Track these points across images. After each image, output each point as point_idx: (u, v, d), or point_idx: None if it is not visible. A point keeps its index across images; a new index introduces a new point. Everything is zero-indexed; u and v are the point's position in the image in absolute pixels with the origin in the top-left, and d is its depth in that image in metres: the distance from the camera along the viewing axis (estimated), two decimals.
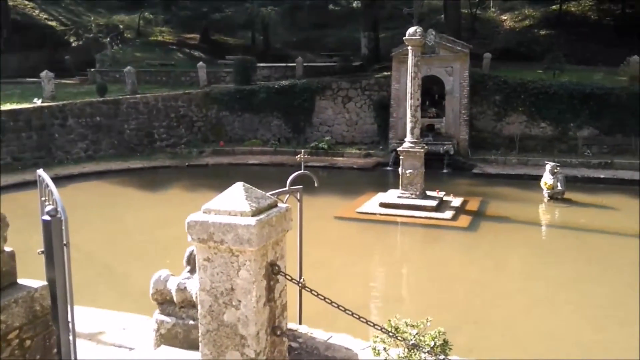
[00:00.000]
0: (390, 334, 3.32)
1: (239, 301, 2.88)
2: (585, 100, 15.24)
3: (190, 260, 3.96)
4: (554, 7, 24.31)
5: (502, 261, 8.56)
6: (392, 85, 16.34)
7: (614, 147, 14.92)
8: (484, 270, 8.13)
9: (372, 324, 3.13)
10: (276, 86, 18.46)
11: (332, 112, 18.02)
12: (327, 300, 3.12)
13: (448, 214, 10.68)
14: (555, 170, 11.66)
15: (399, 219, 10.76)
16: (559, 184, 11.62)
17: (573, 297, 7.10)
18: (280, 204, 3.01)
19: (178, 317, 3.95)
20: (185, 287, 3.88)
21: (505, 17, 25.45)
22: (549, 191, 11.69)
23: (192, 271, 3.92)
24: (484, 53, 17.69)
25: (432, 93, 15.99)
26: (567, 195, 11.68)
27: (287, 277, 2.95)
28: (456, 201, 11.43)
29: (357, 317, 3.10)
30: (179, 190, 13.60)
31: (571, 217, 10.88)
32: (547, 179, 11.72)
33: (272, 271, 2.89)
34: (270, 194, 4.47)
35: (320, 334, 4.63)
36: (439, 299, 7.14)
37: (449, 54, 15.59)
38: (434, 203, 10.95)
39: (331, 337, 4.59)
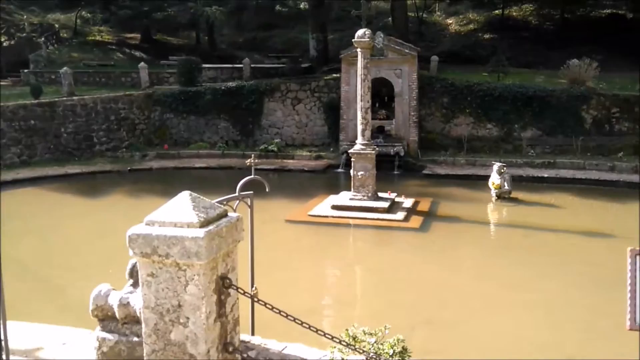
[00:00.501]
0: (350, 346, 3.21)
1: (187, 318, 2.69)
2: (528, 102, 15.79)
3: (133, 273, 3.73)
4: (496, 11, 25.14)
5: (454, 261, 8.67)
6: (342, 87, 16.37)
7: (555, 147, 15.52)
8: (437, 271, 8.21)
9: (330, 337, 3.01)
10: (223, 87, 18.12)
11: (282, 114, 17.86)
12: (281, 313, 2.97)
13: (400, 215, 10.75)
14: (502, 171, 11.99)
15: (351, 221, 10.74)
16: (505, 184, 11.95)
17: (524, 295, 7.24)
18: (230, 214, 2.84)
19: (121, 334, 3.69)
20: (128, 302, 3.63)
21: (451, 21, 26.11)
22: (496, 191, 11.99)
23: (135, 285, 3.68)
24: (431, 56, 18.03)
25: (381, 95, 16.14)
26: (514, 194, 12.04)
27: (239, 290, 2.78)
28: (407, 202, 11.54)
29: (315, 329, 2.97)
30: (121, 196, 13.05)
31: (518, 215, 11.19)
32: (494, 179, 12.02)
33: (223, 285, 2.72)
34: (220, 201, 4.28)
35: (274, 345, 4.47)
36: (393, 300, 7.14)
37: (397, 56, 15.77)
38: (385, 204, 10.99)
39: (286, 347, 4.43)
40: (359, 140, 11.33)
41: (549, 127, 15.73)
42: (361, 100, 11.15)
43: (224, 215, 2.79)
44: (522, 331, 6.21)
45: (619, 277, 7.53)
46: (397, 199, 11.57)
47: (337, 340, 3.12)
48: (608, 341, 5.83)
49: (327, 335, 2.98)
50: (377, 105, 15.55)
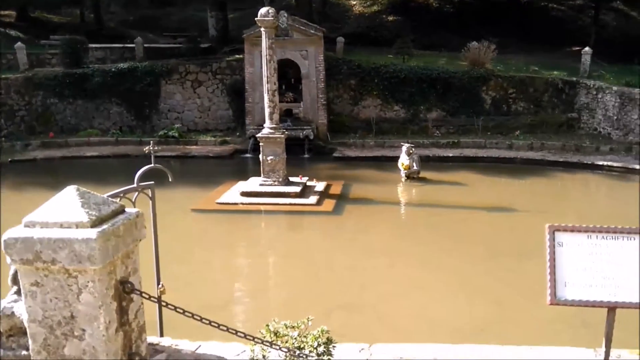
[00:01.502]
0: (272, 344, 3.03)
1: (83, 330, 2.36)
2: (432, 84, 16.35)
3: (17, 279, 3.30)
4: None
5: (368, 242, 8.78)
6: (246, 69, 15.93)
7: (459, 128, 16.24)
8: (351, 253, 8.26)
9: (250, 337, 2.80)
10: (113, 69, 16.93)
11: (181, 98, 17.09)
12: (184, 312, 2.71)
13: (312, 199, 10.71)
14: (411, 151, 12.32)
15: (262, 207, 10.54)
16: (414, 164, 12.31)
17: (437, 272, 7.48)
18: (128, 210, 2.51)
19: (6, 347, 3.26)
20: (12, 312, 3.21)
21: (355, 2, 26.35)
22: (406, 171, 12.32)
23: (20, 292, 3.26)
24: (336, 37, 18.06)
25: (288, 77, 15.92)
26: (422, 174, 12.45)
27: (144, 295, 2.47)
28: (319, 186, 11.52)
29: (226, 328, 2.74)
30: (3, 191, 11.79)
31: (427, 194, 11.60)
32: (403, 160, 12.33)
33: (124, 290, 2.40)
34: (116, 194, 3.87)
35: (186, 345, 4.18)
36: (309, 286, 7.08)
37: (302, 37, 15.60)
38: (297, 189, 10.89)
39: (200, 346, 4.17)
40: (267, 124, 11.07)
41: (452, 108, 16.43)
42: (267, 83, 10.86)
43: (121, 211, 2.46)
44: (438, 308, 6.39)
45: (524, 249, 8.08)
46: (308, 183, 11.51)
47: (259, 340, 2.92)
48: (521, 313, 6.14)
49: (248, 337, 2.76)
50: (283, 87, 15.31)
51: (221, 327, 2.59)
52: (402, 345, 4.57)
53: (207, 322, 2.61)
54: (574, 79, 16.54)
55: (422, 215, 10.27)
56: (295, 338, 3.25)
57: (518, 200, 10.77)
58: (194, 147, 15.68)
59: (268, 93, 10.90)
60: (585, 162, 13.63)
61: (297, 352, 3.10)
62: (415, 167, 12.32)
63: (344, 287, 7.05)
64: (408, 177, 12.35)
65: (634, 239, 3.05)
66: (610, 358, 4.02)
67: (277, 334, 3.25)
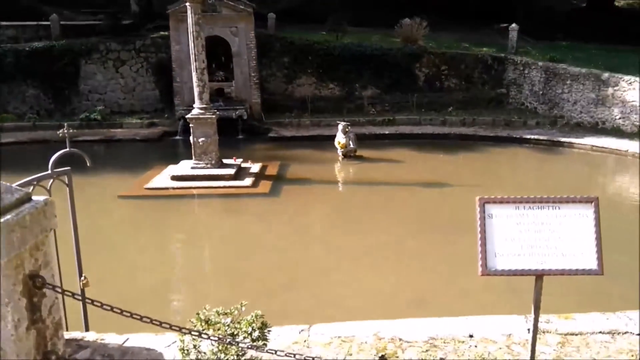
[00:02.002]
0: (202, 335, 2.88)
1: None
2: (366, 61, 16.36)
3: None
4: None
5: (306, 223, 8.73)
6: (172, 47, 15.31)
7: (394, 105, 16.39)
8: (290, 235, 8.17)
9: (177, 328, 2.64)
10: (27, 49, 15.84)
11: (103, 78, 16.26)
12: (101, 306, 2.50)
13: (248, 181, 10.50)
14: (347, 130, 12.32)
15: (195, 191, 10.22)
16: (351, 143, 12.33)
17: (376, 249, 7.51)
18: (36, 198, 2.26)
19: None
20: None
21: None
22: (342, 150, 12.32)
23: None
24: (267, 13, 17.68)
25: (218, 55, 15.44)
26: (359, 152, 12.50)
27: (57, 289, 2.25)
28: (255, 167, 11.32)
29: (149, 320, 2.56)
30: None
31: (364, 172, 11.66)
32: (340, 138, 12.32)
33: (34, 284, 2.17)
34: (28, 181, 3.55)
35: (113, 338, 3.97)
36: (247, 269, 6.93)
37: (232, 12, 15.13)
38: (231, 171, 10.64)
39: (128, 339, 3.97)
40: (197, 104, 10.70)
41: (387, 85, 16.53)
42: (195, 61, 10.47)
43: (27, 199, 2.21)
44: (378, 284, 6.44)
45: (458, 222, 8.25)
46: (243, 165, 11.28)
47: (186, 331, 2.76)
48: (457, 285, 6.29)
49: (174, 327, 2.60)
50: (214, 66, 14.86)
51: (144, 318, 2.41)
52: (342, 324, 4.57)
53: (128, 314, 2.42)
54: (502, 55, 17.07)
55: (360, 194, 10.33)
56: (228, 325, 3.14)
57: (452, 175, 11.07)
58: (119, 130, 15.00)
59: (196, 72, 10.51)
60: (514, 136, 14.19)
61: (230, 339, 3.00)
62: (351, 146, 12.34)
63: (283, 269, 6.97)
64: (345, 155, 12.37)
65: (559, 208, 3.17)
66: (539, 323, 4.16)
67: (209, 322, 3.13)
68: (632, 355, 4.06)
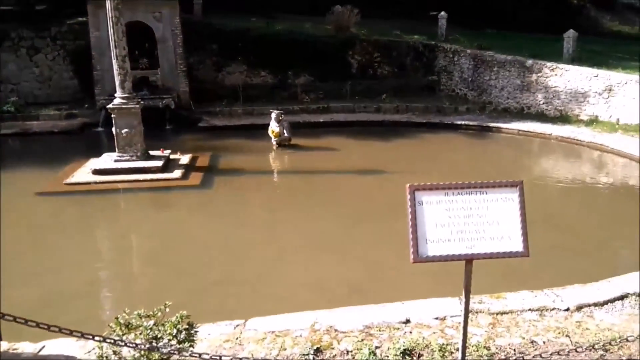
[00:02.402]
0: (117, 343, 2.63)
1: None
2: (299, 48, 16.19)
3: None
4: None
5: (240, 215, 8.44)
6: (91, 33, 14.49)
7: (328, 93, 16.31)
8: (223, 227, 7.89)
9: (90, 337, 2.37)
10: None
11: (16, 67, 15.22)
12: (9, 317, 2.20)
13: (177, 173, 10.08)
14: (280, 118, 12.10)
15: (120, 186, 9.69)
16: (285, 131, 12.13)
17: (312, 240, 7.39)
18: None
19: None
20: None
21: None
22: (276, 139, 12.10)
23: None
24: None
25: (142, 42, 14.75)
26: (293, 141, 12.32)
27: None
28: (184, 158, 10.90)
29: (63, 330, 2.28)
30: None
31: (299, 161, 11.52)
32: (273, 127, 12.09)
33: None
34: None
35: (28, 346, 3.72)
36: (179, 266, 6.60)
37: None
38: (159, 163, 10.17)
39: (44, 346, 3.73)
40: (119, 93, 10.14)
41: (320, 72, 16.42)
42: (116, 48, 9.92)
43: None
44: (315, 274, 6.33)
45: (393, 209, 8.21)
46: (172, 156, 10.83)
47: (99, 339, 2.50)
48: (393, 270, 6.29)
49: (86, 335, 2.33)
50: (137, 53, 14.19)
51: (51, 328, 2.13)
52: (277, 317, 4.49)
53: (34, 324, 2.13)
54: (433, 42, 17.41)
55: (295, 183, 10.17)
56: (151, 328, 2.98)
57: (387, 162, 11.13)
58: (35, 122, 14.07)
59: (117, 59, 9.96)
60: (446, 122, 14.56)
61: (153, 343, 2.82)
62: (285, 134, 12.14)
63: (217, 263, 6.71)
64: (279, 144, 12.15)
65: (486, 193, 3.26)
66: (473, 304, 4.46)
67: (129, 326, 2.94)
68: (559, 333, 4.21)
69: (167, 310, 3.16)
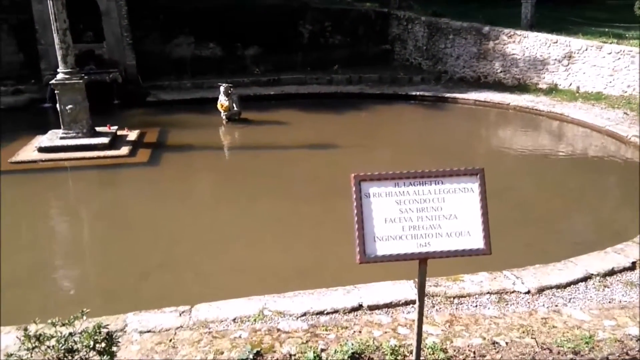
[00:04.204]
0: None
1: None
2: (247, 18, 16.05)
3: None
4: None
5: (189, 193, 8.55)
6: (34, 6, 14.17)
7: (279, 64, 16.37)
8: (170, 206, 7.95)
9: None
10: None
11: None
12: None
13: (124, 149, 10.21)
14: (230, 91, 12.23)
15: (67, 164, 9.77)
16: (234, 105, 12.28)
17: (262, 219, 7.34)
18: None
19: None
20: None
21: None
22: (226, 113, 12.25)
23: None
24: None
25: (86, 14, 14.51)
26: (244, 114, 12.44)
27: None
28: (132, 134, 11.00)
29: None
30: None
31: (249, 136, 11.68)
32: (222, 101, 12.22)
33: None
34: None
35: None
36: (125, 247, 6.71)
37: None
38: (106, 140, 10.28)
39: None
40: (61, 68, 10.16)
41: (270, 43, 16.43)
42: (56, 21, 9.90)
43: None
44: (263, 256, 6.30)
45: (346, 186, 8.24)
46: (119, 133, 10.93)
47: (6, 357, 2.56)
48: (346, 252, 6.12)
49: None
50: (81, 27, 14.01)
51: None
52: (227, 302, 4.49)
53: None
54: (386, 10, 17.48)
55: (245, 159, 10.26)
56: (66, 339, 2.81)
57: (340, 136, 11.19)
58: None
59: (58, 33, 9.96)
60: (400, 93, 14.60)
61: (69, 356, 2.73)
62: (235, 108, 12.30)
63: (163, 244, 6.71)
64: (229, 119, 12.31)
65: (442, 183, 3.00)
66: (427, 287, 4.15)
67: (40, 339, 2.79)
68: (523, 332, 3.95)
69: (85, 318, 2.99)
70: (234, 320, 4.29)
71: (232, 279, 5.81)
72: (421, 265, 3.04)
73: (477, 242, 2.96)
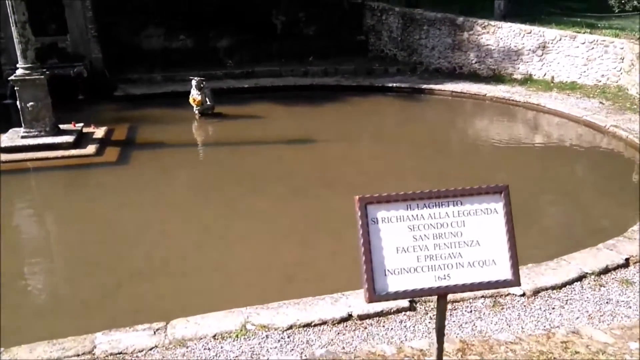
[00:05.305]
0: None
1: None
2: (219, 9, 15.48)
3: None
4: None
5: (160, 194, 8.06)
6: None
7: (253, 56, 15.87)
8: (142, 209, 7.50)
9: None
10: None
11: None
12: None
13: (91, 148, 9.64)
14: (202, 85, 11.72)
15: (29, 164, 9.20)
16: (207, 99, 11.77)
17: (241, 220, 7.02)
18: None
19: None
20: None
21: None
22: (198, 107, 11.75)
23: None
24: None
25: (49, 4, 13.73)
26: (218, 109, 11.95)
27: None
28: (99, 132, 10.43)
29: None
30: None
31: (223, 131, 11.20)
32: (194, 95, 11.72)
33: None
34: None
35: None
36: (93, 255, 6.23)
37: None
38: (70, 138, 9.69)
39: None
40: (21, 63, 9.59)
41: (244, 34, 15.89)
42: (14, 13, 9.36)
43: None
44: (244, 260, 5.98)
45: (326, 181, 8.01)
46: (85, 130, 10.34)
47: None
48: (330, 253, 5.97)
49: None
50: (44, 18, 13.23)
51: None
52: (206, 316, 4.20)
53: None
54: (359, 0, 17.13)
55: (220, 156, 9.83)
56: None
57: (317, 130, 10.92)
58: None
59: (16, 26, 9.40)
60: (376, 84, 14.35)
61: None
62: (208, 103, 11.80)
63: (135, 251, 6.29)
64: (202, 113, 11.80)
65: (460, 203, 2.64)
66: (418, 304, 4.13)
67: None
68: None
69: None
70: (214, 337, 4.00)
71: (211, 285, 5.48)
72: (440, 301, 2.64)
73: (503, 271, 2.59)
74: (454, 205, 2.62)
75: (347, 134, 10.85)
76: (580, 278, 4.72)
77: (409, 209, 2.59)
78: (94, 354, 3.81)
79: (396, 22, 16.34)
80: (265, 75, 14.94)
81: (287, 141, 10.21)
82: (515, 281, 2.61)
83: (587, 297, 4.47)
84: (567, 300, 4.42)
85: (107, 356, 3.77)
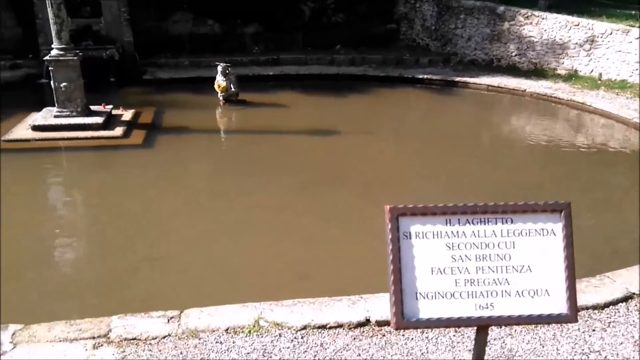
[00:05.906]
0: None
1: None
2: None
3: None
4: None
5: (184, 179, 8.21)
6: None
7: (279, 43, 15.96)
8: (166, 193, 7.62)
9: None
10: None
11: None
12: None
13: (119, 130, 9.99)
14: (227, 71, 11.94)
15: (60, 143, 9.57)
16: (232, 86, 12.00)
17: (259, 211, 7.00)
18: None
19: None
20: None
21: None
22: (223, 94, 11.98)
23: None
24: None
25: None
26: (242, 96, 12.12)
27: None
28: (127, 114, 10.80)
29: None
30: None
31: (247, 119, 11.37)
32: (220, 81, 11.95)
33: None
34: None
35: None
36: (117, 236, 6.39)
37: None
38: (100, 120, 10.06)
39: None
40: (55, 44, 9.94)
41: (271, 21, 15.98)
42: None
43: None
44: (261, 253, 5.97)
45: (350, 175, 7.86)
46: (114, 112, 10.72)
47: None
48: (348, 250, 5.91)
49: None
50: (79, 1, 13.68)
51: None
52: (220, 308, 4.21)
53: None
54: None
55: (242, 144, 9.88)
56: None
57: (341, 121, 10.77)
58: None
59: (52, 7, 9.74)
60: (406, 75, 13.99)
61: None
62: (233, 89, 12.03)
63: (157, 234, 6.39)
64: (226, 100, 12.05)
65: (511, 221, 2.27)
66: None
67: None
68: None
69: None
70: (226, 330, 3.96)
71: (227, 275, 5.51)
72: (480, 333, 2.27)
73: (557, 304, 2.23)
74: (502, 223, 2.26)
75: (374, 127, 10.54)
76: (626, 298, 4.22)
77: (448, 224, 2.27)
78: (108, 337, 3.88)
79: (430, 10, 15.85)
80: (291, 63, 15.00)
81: (310, 131, 10.11)
82: (572, 316, 2.23)
83: (634, 321, 3.96)
84: (609, 323, 3.95)
85: (121, 340, 3.87)
